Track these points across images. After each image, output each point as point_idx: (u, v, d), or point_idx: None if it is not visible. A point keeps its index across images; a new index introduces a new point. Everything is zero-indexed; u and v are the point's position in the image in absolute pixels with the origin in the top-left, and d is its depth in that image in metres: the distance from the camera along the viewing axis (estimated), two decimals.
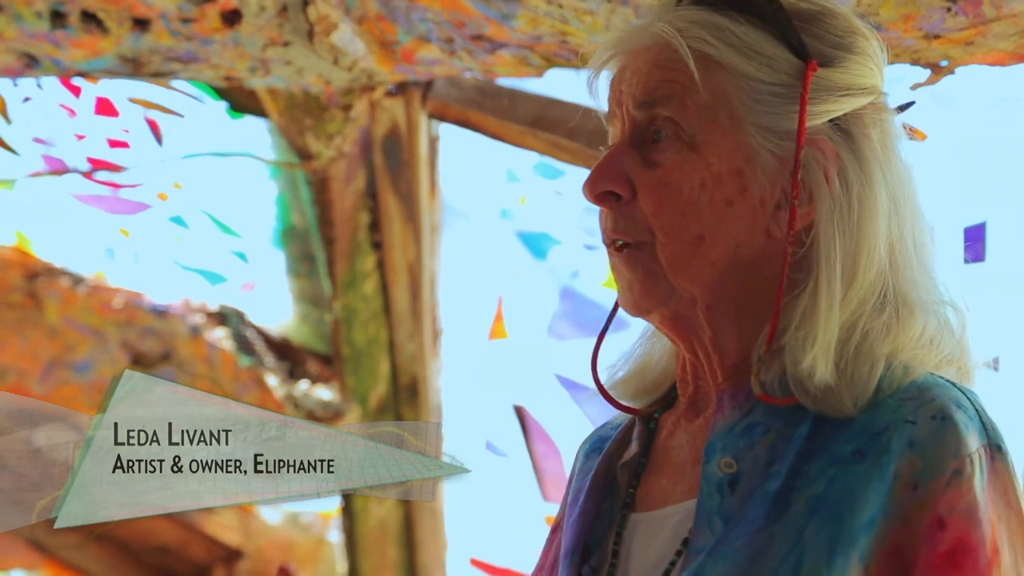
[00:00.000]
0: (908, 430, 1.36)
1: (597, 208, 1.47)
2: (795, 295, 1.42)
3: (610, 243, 1.46)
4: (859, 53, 1.47)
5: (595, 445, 1.57)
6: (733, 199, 1.43)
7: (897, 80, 2.69)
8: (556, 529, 1.56)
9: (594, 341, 1.54)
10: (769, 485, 1.37)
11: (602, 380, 1.53)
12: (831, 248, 1.42)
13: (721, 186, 1.43)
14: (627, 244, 1.45)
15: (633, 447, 1.50)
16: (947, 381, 1.41)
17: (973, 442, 1.36)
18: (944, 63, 2.55)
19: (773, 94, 1.44)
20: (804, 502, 1.36)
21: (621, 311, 1.51)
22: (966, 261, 3.07)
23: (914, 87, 2.62)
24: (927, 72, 2.58)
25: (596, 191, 1.45)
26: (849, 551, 1.33)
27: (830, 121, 1.44)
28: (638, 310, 1.45)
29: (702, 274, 1.43)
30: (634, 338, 1.56)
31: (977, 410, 1.39)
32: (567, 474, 1.61)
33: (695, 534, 1.39)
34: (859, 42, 1.48)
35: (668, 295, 1.44)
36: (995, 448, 1.38)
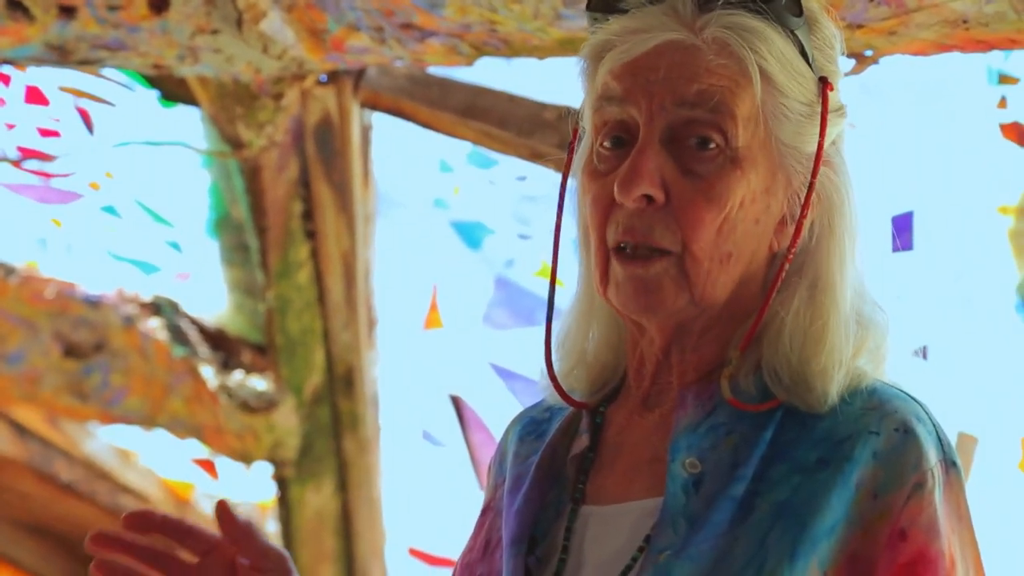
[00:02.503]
0: (872, 441, 1.37)
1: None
2: (780, 299, 1.43)
3: (629, 247, 1.42)
4: (839, 66, 1.48)
5: (528, 428, 1.55)
6: (760, 217, 1.43)
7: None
8: (486, 511, 1.55)
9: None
10: (734, 489, 1.38)
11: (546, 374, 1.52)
12: (835, 259, 1.43)
13: (754, 204, 1.43)
14: (651, 249, 1.41)
15: (583, 440, 1.49)
16: (903, 392, 1.42)
17: (932, 456, 1.39)
18: (868, 52, 2.56)
19: (799, 113, 1.43)
20: (768, 508, 1.37)
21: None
22: (894, 250, 3.10)
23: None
24: (852, 62, 2.59)
25: (635, 193, 1.40)
26: (810, 556, 1.34)
27: None
28: (648, 312, 1.43)
29: (724, 291, 1.43)
30: (564, 330, 1.54)
31: (934, 424, 1.41)
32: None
33: (658, 533, 1.38)
34: (838, 51, 1.48)
35: (684, 307, 1.43)
36: (950, 463, 1.40)
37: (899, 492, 1.37)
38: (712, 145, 1.42)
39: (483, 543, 1.51)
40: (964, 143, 3.25)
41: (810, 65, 1.45)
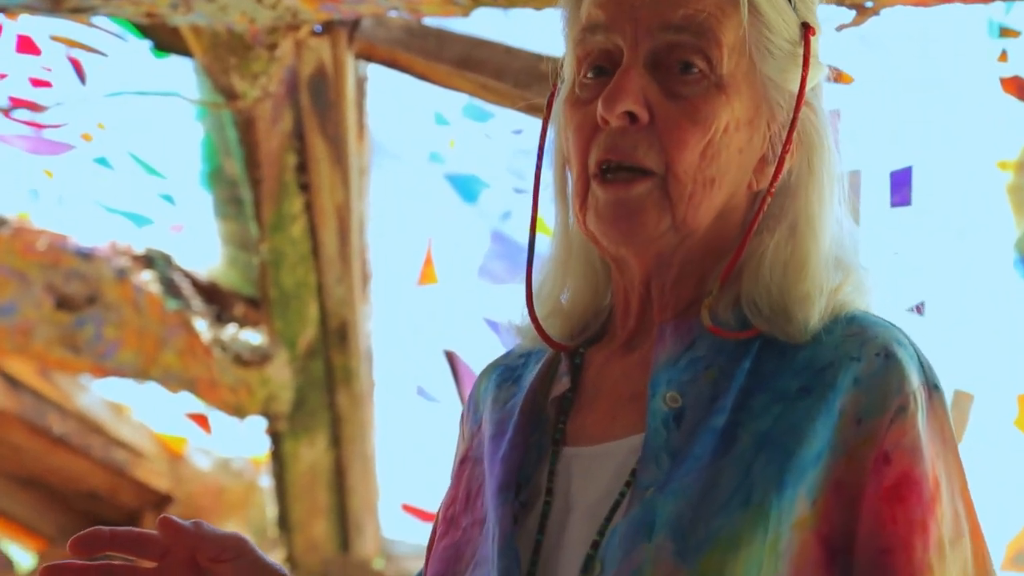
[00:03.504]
0: (853, 367, 1.37)
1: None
2: (760, 237, 1.43)
3: (610, 168, 1.41)
4: (816, 15, 1.48)
5: (504, 375, 1.54)
6: (743, 147, 1.43)
7: (823, 21, 2.67)
8: (464, 462, 1.54)
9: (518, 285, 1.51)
10: (715, 421, 1.37)
11: (521, 319, 1.51)
12: (815, 198, 1.43)
13: (738, 132, 1.42)
14: (634, 170, 1.41)
15: (564, 382, 1.49)
16: (882, 319, 1.42)
17: (915, 379, 1.38)
18: (869, 4, 2.54)
19: (783, 50, 1.43)
20: (750, 438, 1.36)
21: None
22: (892, 205, 3.08)
23: (840, 28, 2.61)
24: (852, 13, 2.57)
25: (619, 109, 1.40)
26: (798, 483, 1.34)
27: None
28: (625, 241, 1.42)
29: (705, 218, 1.43)
30: (541, 279, 1.53)
31: (915, 349, 1.41)
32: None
33: (642, 469, 1.38)
34: (817, 4, 1.48)
35: (665, 232, 1.42)
36: (932, 387, 1.40)
37: (882, 417, 1.36)
38: (695, 69, 1.42)
39: (464, 494, 1.50)
40: (964, 97, 3.24)
41: (795, 10, 1.45)
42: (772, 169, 1.44)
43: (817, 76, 1.47)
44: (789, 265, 1.42)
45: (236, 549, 1.48)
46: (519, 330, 1.52)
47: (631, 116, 1.40)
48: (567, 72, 1.48)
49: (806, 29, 1.45)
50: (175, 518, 1.48)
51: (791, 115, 1.43)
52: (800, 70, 1.44)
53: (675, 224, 1.42)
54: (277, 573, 1.49)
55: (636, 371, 1.45)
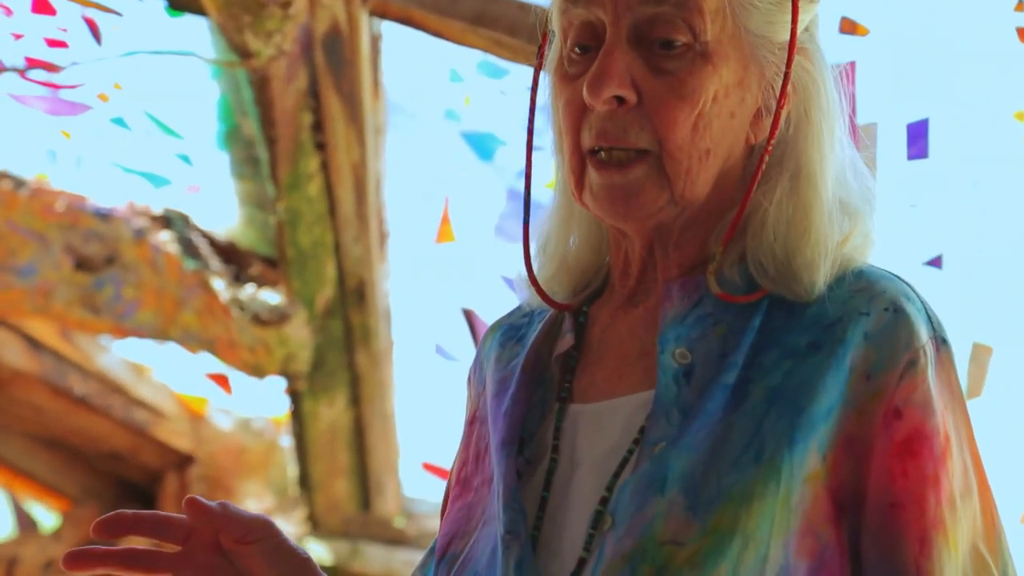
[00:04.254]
0: (862, 322, 1.36)
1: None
2: (762, 191, 1.41)
3: (603, 149, 1.39)
4: None
5: (508, 333, 1.54)
6: (735, 111, 1.41)
7: None
8: (472, 423, 1.54)
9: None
10: (725, 377, 1.37)
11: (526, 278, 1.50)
12: (814, 148, 1.41)
13: (728, 98, 1.40)
14: (627, 151, 1.39)
15: (567, 339, 1.48)
16: (890, 273, 1.41)
17: (923, 334, 1.37)
18: None
19: (769, 1, 1.41)
20: (761, 393, 1.36)
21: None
22: (909, 158, 3.06)
23: None
24: None
25: (605, 95, 1.37)
26: (809, 438, 1.34)
27: None
28: (623, 220, 1.41)
29: (704, 188, 1.41)
30: (545, 234, 1.52)
31: (923, 303, 1.40)
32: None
33: (652, 425, 1.37)
34: None
35: (664, 206, 1.40)
36: (940, 340, 1.39)
37: (892, 371, 1.35)
38: (678, 44, 1.39)
39: (474, 454, 1.50)
40: (980, 48, 3.21)
41: None
42: (768, 122, 1.42)
43: (810, 12, 1.43)
44: (792, 224, 1.40)
45: (262, 531, 1.46)
46: (523, 291, 1.52)
47: (618, 99, 1.38)
48: (555, 30, 1.47)
49: None
50: (201, 499, 1.46)
51: (784, 67, 1.41)
52: (789, 16, 1.41)
53: (674, 199, 1.40)
54: (301, 557, 1.47)
55: (642, 328, 1.44)
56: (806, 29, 1.44)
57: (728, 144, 1.41)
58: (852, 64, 2.72)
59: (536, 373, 1.48)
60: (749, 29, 1.41)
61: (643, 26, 1.39)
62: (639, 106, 1.39)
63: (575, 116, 1.41)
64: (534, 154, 1.50)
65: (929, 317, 1.39)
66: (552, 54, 1.46)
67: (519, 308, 1.56)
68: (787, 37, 1.41)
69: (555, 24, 1.45)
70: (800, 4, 1.42)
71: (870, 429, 1.35)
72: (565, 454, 1.42)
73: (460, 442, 1.54)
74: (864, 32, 2.75)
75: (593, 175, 1.40)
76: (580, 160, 1.41)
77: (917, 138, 2.94)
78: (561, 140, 1.44)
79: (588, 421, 1.43)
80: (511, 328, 1.54)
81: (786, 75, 1.41)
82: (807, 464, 1.33)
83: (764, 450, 1.33)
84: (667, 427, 1.36)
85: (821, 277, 1.39)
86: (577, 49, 1.42)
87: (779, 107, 1.41)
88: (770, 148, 1.41)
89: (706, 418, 1.36)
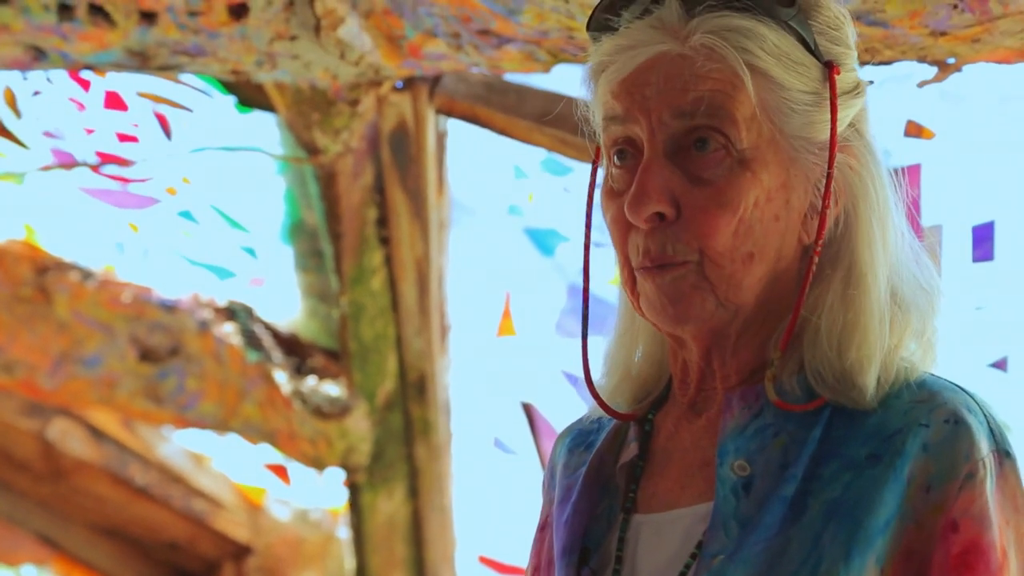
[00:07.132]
0: (922, 433, 1.36)
1: (606, 210, 1.43)
2: (815, 293, 1.42)
3: (652, 265, 1.41)
4: (851, 46, 1.46)
5: (577, 440, 1.55)
6: (780, 214, 1.41)
7: (904, 77, 2.67)
8: (544, 528, 1.54)
9: (596, 340, 1.52)
10: (784, 489, 1.37)
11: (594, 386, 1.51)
12: (864, 246, 1.41)
13: (771, 202, 1.41)
14: (672, 264, 1.41)
15: (632, 448, 1.48)
16: (953, 383, 1.41)
17: (984, 446, 1.37)
18: (951, 60, 2.53)
19: (806, 103, 1.42)
20: (820, 506, 1.36)
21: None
22: (975, 260, 3.06)
23: (921, 84, 2.61)
24: (934, 69, 2.57)
25: (644, 214, 1.39)
26: (866, 552, 1.34)
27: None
28: (678, 325, 1.42)
29: (751, 291, 1.42)
30: (608, 345, 1.53)
31: (986, 415, 1.40)
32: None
33: (710, 537, 1.37)
34: (846, 31, 1.46)
35: (713, 311, 1.42)
36: (1003, 453, 1.39)
37: (951, 484, 1.35)
38: (712, 145, 1.40)
39: (546, 561, 1.51)
40: None
41: (813, 52, 1.42)
42: (816, 223, 1.42)
43: (854, 107, 1.44)
44: (844, 329, 1.40)
45: None
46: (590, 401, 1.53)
47: (659, 215, 1.40)
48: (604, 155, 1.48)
49: (830, 68, 1.42)
50: None
51: (828, 167, 1.41)
52: (829, 115, 1.41)
53: (720, 302, 1.41)
54: None
55: (704, 438, 1.45)
56: (851, 125, 1.44)
57: (775, 246, 1.42)
58: (917, 166, 2.73)
59: (600, 481, 1.48)
60: (788, 132, 1.42)
61: (679, 137, 1.41)
62: (680, 219, 1.40)
63: (622, 233, 1.43)
64: (592, 251, 1.52)
65: (992, 430, 1.39)
66: (603, 165, 1.48)
67: (590, 413, 1.57)
68: (828, 136, 1.42)
69: (600, 141, 1.47)
70: (839, 102, 1.42)
71: (929, 543, 1.34)
72: (627, 564, 1.43)
73: (531, 547, 1.55)
74: (930, 135, 2.76)
75: (643, 283, 1.42)
76: (631, 273, 1.43)
77: (982, 240, 2.94)
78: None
79: (650, 532, 1.43)
80: (580, 434, 1.55)
81: (828, 176, 1.42)
82: None
83: (821, 565, 1.34)
84: (725, 540, 1.37)
85: (871, 379, 1.39)
86: (617, 160, 1.44)
87: (824, 207, 1.42)
88: (819, 249, 1.42)
89: (764, 531, 1.36)
